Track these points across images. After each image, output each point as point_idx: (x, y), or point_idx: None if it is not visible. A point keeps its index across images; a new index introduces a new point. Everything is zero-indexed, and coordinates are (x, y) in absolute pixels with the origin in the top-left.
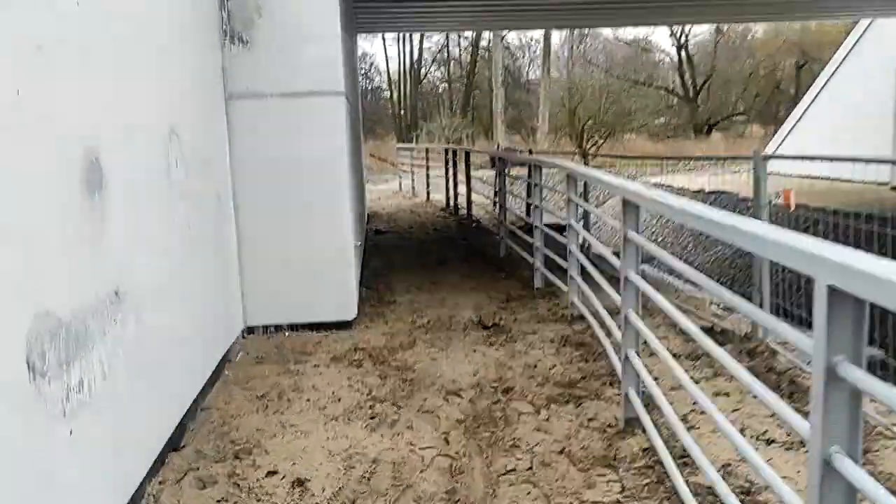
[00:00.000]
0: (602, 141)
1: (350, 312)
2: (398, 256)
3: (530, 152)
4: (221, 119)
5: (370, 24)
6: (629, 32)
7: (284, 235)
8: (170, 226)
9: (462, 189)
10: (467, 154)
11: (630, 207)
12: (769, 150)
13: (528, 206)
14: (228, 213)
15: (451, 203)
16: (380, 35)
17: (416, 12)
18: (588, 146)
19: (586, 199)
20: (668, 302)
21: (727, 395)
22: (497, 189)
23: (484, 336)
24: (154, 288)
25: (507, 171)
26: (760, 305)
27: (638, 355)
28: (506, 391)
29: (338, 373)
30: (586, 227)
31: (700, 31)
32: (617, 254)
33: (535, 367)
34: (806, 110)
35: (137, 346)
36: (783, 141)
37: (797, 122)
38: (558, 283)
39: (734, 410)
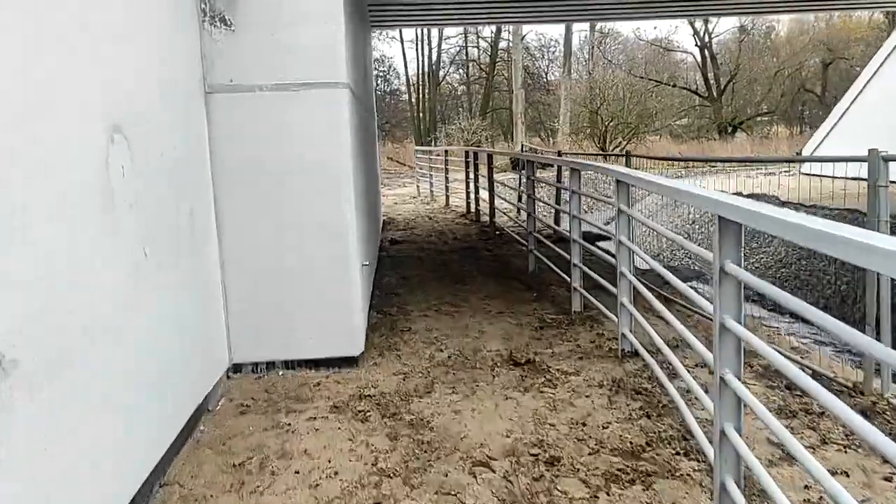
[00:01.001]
0: (626, 142)
1: (356, 346)
2: (414, 270)
3: (559, 154)
4: (199, 116)
5: (383, 16)
6: (650, 32)
7: (277, 255)
8: (109, 253)
9: (483, 194)
10: (490, 157)
11: (729, 228)
12: (807, 151)
13: (557, 213)
14: (207, 230)
15: (472, 209)
16: (397, 38)
17: (430, 5)
18: (612, 147)
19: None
20: (783, 357)
21: (846, 474)
22: (524, 195)
23: (517, 377)
24: (77, 337)
25: (534, 174)
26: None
27: (740, 433)
28: (550, 462)
29: (338, 429)
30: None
31: (723, 30)
32: (690, 283)
33: (584, 424)
34: (847, 110)
35: (42, 421)
36: (822, 142)
37: (837, 121)
38: (601, 307)
39: (864, 502)
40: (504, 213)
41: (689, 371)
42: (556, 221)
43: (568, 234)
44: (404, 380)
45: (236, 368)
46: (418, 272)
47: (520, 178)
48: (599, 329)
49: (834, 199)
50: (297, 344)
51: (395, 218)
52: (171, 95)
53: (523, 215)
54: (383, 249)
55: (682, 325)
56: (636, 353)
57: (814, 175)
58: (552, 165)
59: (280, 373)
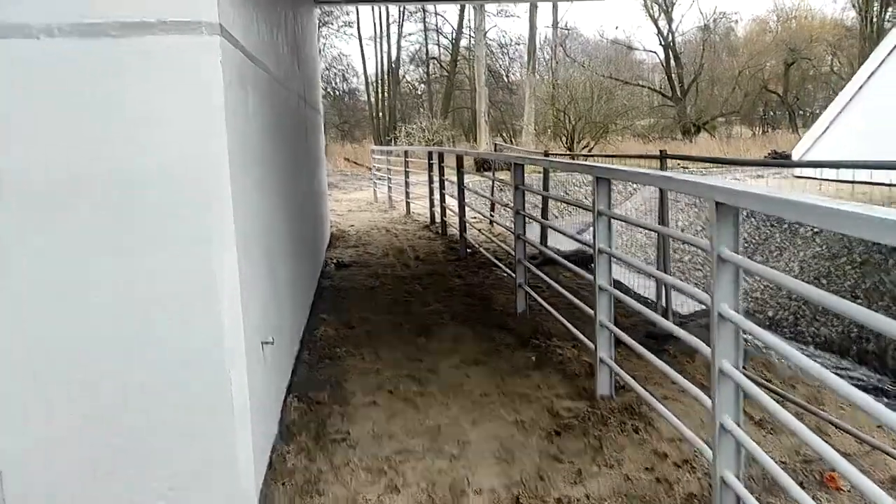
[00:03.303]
0: (594, 142)
1: None
2: (363, 311)
3: (545, 154)
4: None
5: None
6: (611, 32)
7: (86, 349)
8: None
9: (451, 202)
10: (459, 159)
11: (725, 213)
12: (797, 153)
13: (544, 230)
14: None
15: (437, 218)
16: (356, 35)
17: None
18: (580, 148)
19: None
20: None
21: None
22: (512, 211)
23: None
24: None
25: (524, 183)
26: None
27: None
28: None
29: None
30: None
31: (686, 30)
32: None
33: None
34: (841, 112)
35: None
36: (813, 146)
37: (829, 125)
38: (646, 395)
39: None
40: (473, 226)
41: None
42: (543, 239)
43: (556, 255)
44: None
45: None
46: (368, 315)
47: (493, 185)
48: (649, 433)
49: None
50: None
51: (347, 231)
52: None
53: (497, 228)
54: (326, 276)
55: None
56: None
57: (807, 178)
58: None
59: None
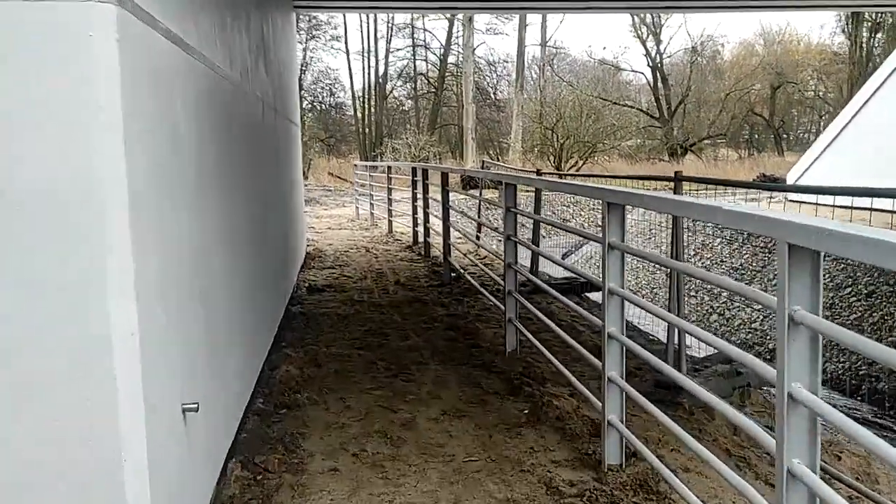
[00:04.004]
0: (582, 162)
1: None
2: (333, 346)
3: (538, 173)
4: None
5: None
6: (599, 52)
7: None
8: None
9: (434, 221)
10: (444, 176)
11: (800, 259)
12: (791, 177)
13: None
14: None
15: (420, 239)
16: (343, 50)
17: None
18: (567, 167)
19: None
20: None
21: None
22: (503, 237)
23: None
24: None
25: (515, 205)
26: None
27: None
28: None
29: None
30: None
31: (675, 51)
32: None
33: None
34: (836, 138)
35: None
36: (807, 169)
37: (826, 148)
38: (660, 466)
39: None
40: (458, 248)
41: None
42: (534, 264)
43: (548, 286)
44: None
45: None
46: (339, 350)
47: (479, 205)
48: None
49: None
50: None
51: (324, 250)
52: None
53: (484, 250)
54: (296, 301)
55: None
56: None
57: (801, 202)
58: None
59: None
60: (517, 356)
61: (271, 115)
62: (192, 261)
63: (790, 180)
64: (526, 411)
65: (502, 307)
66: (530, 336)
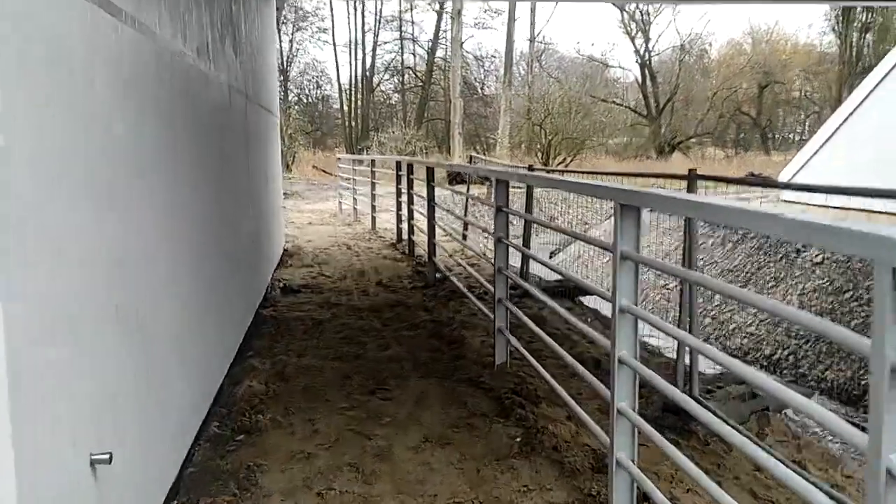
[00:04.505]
0: (570, 158)
1: None
2: (305, 355)
3: (531, 168)
4: None
5: None
6: (587, 49)
7: None
8: None
9: (419, 217)
10: (430, 171)
11: None
12: (784, 176)
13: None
14: None
15: (404, 236)
16: (330, 42)
17: None
18: (555, 163)
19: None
20: None
21: None
22: (493, 238)
23: None
24: None
25: (507, 204)
26: None
27: None
28: None
29: None
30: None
31: (663, 48)
32: None
33: None
34: (830, 138)
35: None
36: (801, 169)
37: (819, 148)
38: None
39: None
40: (443, 247)
41: None
42: (524, 269)
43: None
44: None
45: None
46: (311, 361)
47: (466, 202)
48: None
49: None
50: None
51: (303, 247)
52: None
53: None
54: (269, 303)
55: None
56: None
57: (795, 202)
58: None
59: None
60: (507, 369)
61: (240, 102)
62: (109, 274)
63: (784, 179)
64: (518, 439)
65: (491, 315)
66: (521, 348)
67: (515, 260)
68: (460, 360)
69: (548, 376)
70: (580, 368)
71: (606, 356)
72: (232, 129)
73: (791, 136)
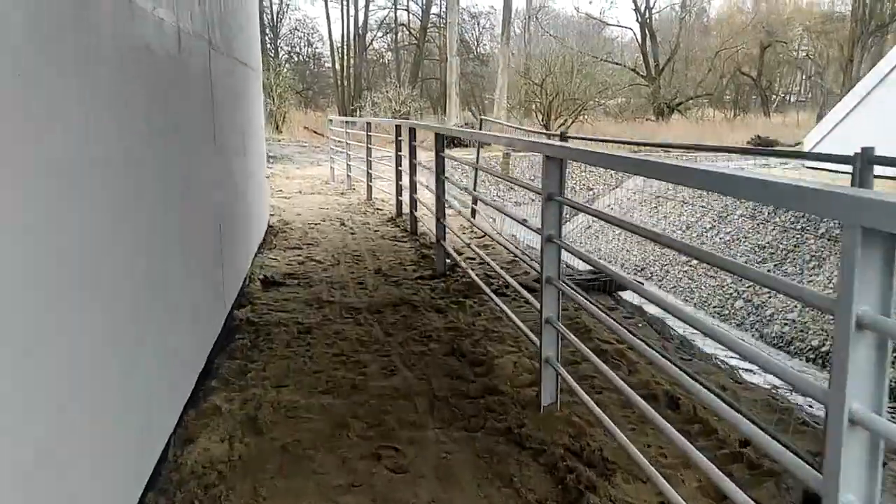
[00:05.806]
0: (572, 120)
1: None
2: (287, 386)
3: (562, 137)
4: None
5: None
6: (585, 6)
7: None
8: None
9: (424, 193)
10: (439, 138)
11: None
12: (808, 143)
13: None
14: None
15: (405, 210)
16: None
17: None
18: (556, 126)
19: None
20: None
21: None
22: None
23: None
24: None
25: (561, 192)
26: None
27: None
28: None
29: None
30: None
31: (663, 6)
32: None
33: None
34: (858, 105)
35: None
36: (826, 135)
37: (845, 116)
38: None
39: None
40: (451, 230)
41: None
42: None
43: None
44: None
45: None
46: (293, 397)
47: (475, 174)
48: None
49: None
50: None
51: (291, 222)
52: None
53: (483, 230)
54: (245, 300)
55: None
56: None
57: (819, 169)
58: (478, 145)
59: None
60: (558, 414)
61: (201, 51)
62: None
63: (808, 144)
64: None
65: (536, 340)
66: (579, 389)
67: (516, 229)
68: (492, 394)
69: (624, 439)
70: (661, 422)
71: (678, 386)
72: (185, 84)
73: (789, 97)
